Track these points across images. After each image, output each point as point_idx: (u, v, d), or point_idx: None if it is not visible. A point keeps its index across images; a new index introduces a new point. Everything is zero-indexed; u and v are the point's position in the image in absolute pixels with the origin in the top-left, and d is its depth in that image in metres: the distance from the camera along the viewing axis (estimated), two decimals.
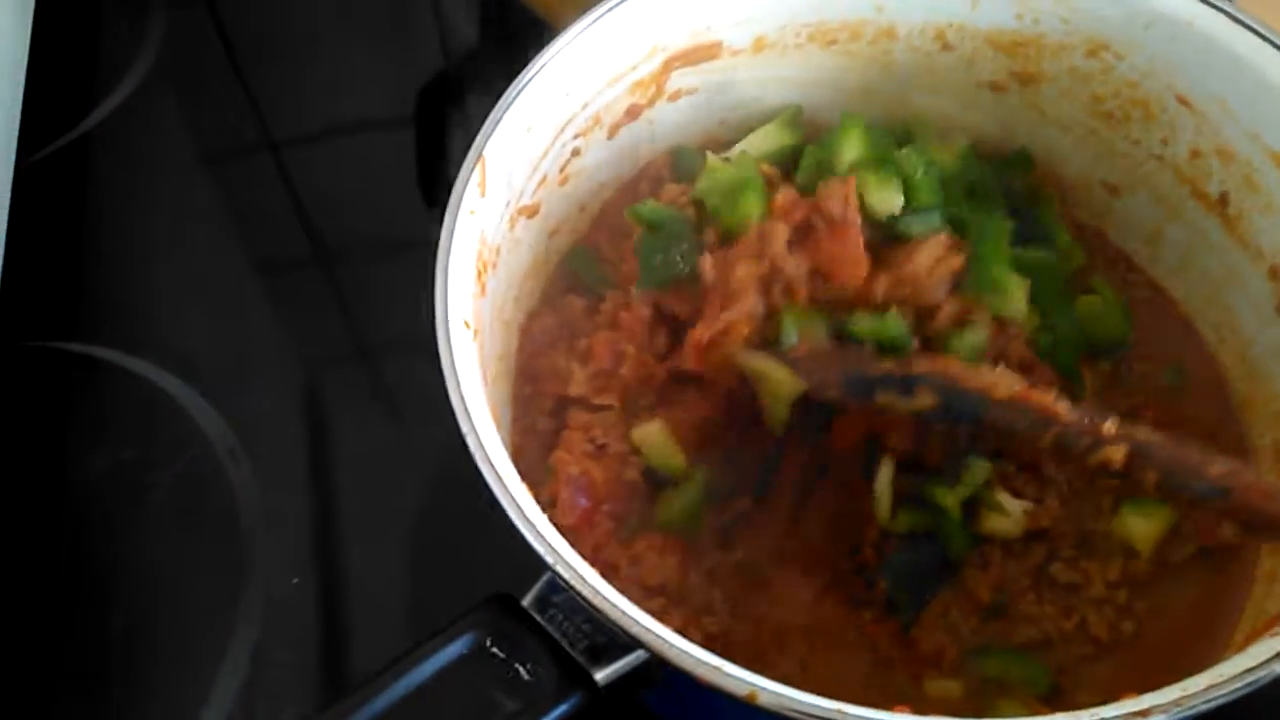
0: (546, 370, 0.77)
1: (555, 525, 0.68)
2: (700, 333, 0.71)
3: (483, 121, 0.70)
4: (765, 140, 0.82)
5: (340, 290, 0.97)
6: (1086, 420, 0.65)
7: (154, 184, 1.02)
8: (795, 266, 0.70)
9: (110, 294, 0.96)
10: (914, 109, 0.86)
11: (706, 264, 0.72)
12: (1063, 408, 0.66)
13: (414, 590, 0.82)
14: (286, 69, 1.09)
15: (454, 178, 0.68)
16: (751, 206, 0.73)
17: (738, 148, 0.81)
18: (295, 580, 0.81)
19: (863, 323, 0.70)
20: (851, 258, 0.70)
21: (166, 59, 1.09)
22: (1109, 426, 0.64)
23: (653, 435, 0.74)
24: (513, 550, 0.57)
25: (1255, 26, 0.73)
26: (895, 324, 0.70)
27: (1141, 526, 0.72)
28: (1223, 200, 0.79)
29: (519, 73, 0.71)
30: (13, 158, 1.00)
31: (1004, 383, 0.67)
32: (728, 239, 0.74)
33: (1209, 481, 0.62)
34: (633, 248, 0.77)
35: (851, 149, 0.77)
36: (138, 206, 1.00)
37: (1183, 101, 0.78)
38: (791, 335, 0.70)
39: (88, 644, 0.80)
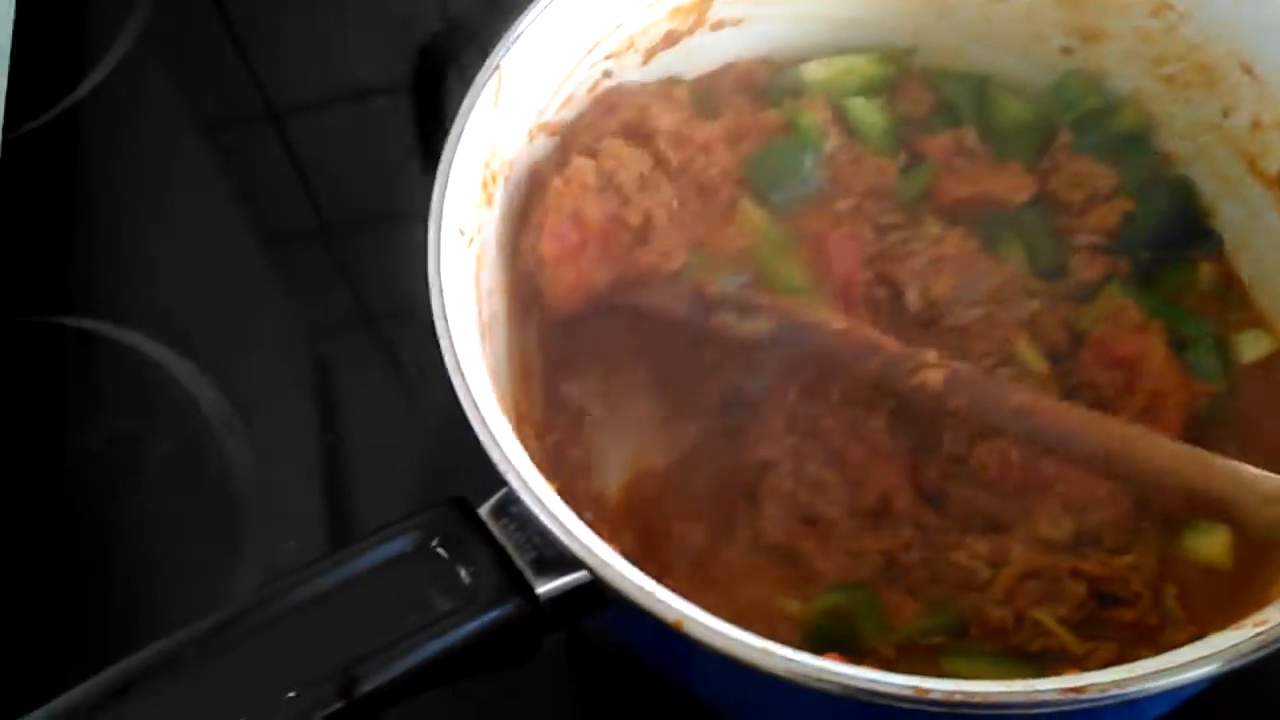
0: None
1: (539, 254, 0.70)
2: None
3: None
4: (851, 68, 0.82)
5: (340, 259, 0.96)
6: (909, 350, 0.68)
7: (147, 155, 1.01)
8: None
9: (103, 267, 0.95)
10: (970, 60, 0.84)
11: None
12: (888, 340, 0.69)
13: None
14: (281, 34, 1.07)
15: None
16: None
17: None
18: (292, 544, 0.81)
19: None
20: None
21: (157, 25, 1.07)
22: (931, 355, 0.67)
23: None
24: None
25: None
26: None
27: (1212, 542, 0.69)
28: None
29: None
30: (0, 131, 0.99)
31: (834, 317, 0.70)
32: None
33: (1009, 409, 0.65)
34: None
35: None
36: (130, 178, 0.99)
37: (1246, 70, 0.74)
38: None
39: (86, 620, 0.80)
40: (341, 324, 0.94)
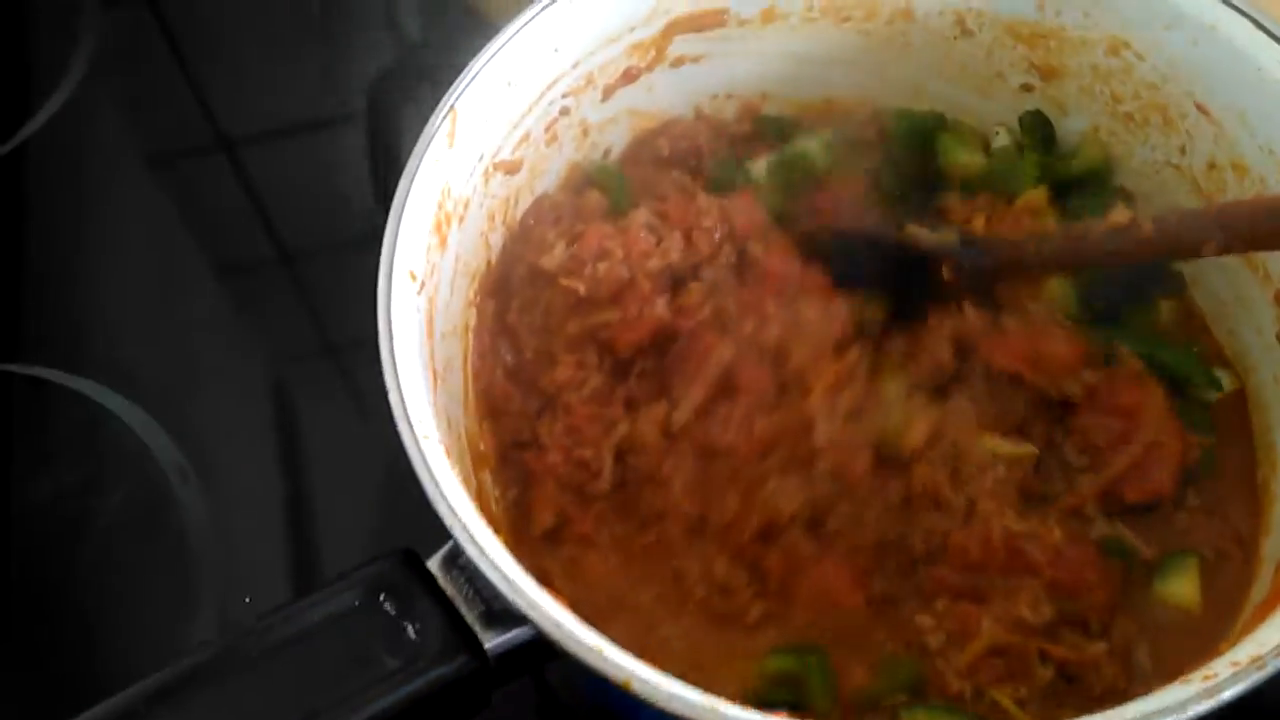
0: (536, 239, 0.76)
1: None
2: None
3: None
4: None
5: (298, 290, 0.95)
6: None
7: (97, 193, 0.99)
8: None
9: (53, 312, 0.93)
10: (932, 97, 0.83)
11: None
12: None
13: None
14: (232, 64, 1.06)
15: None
16: None
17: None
18: (247, 599, 0.80)
19: None
20: None
21: (104, 60, 1.04)
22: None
23: None
24: None
25: (1279, 35, 0.69)
26: None
27: (1181, 585, 0.69)
28: None
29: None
30: None
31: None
32: None
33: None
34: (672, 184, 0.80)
35: None
36: (80, 218, 0.97)
37: (1202, 110, 0.74)
38: None
39: (36, 676, 0.79)
40: (300, 357, 0.92)
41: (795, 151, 0.81)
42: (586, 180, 0.81)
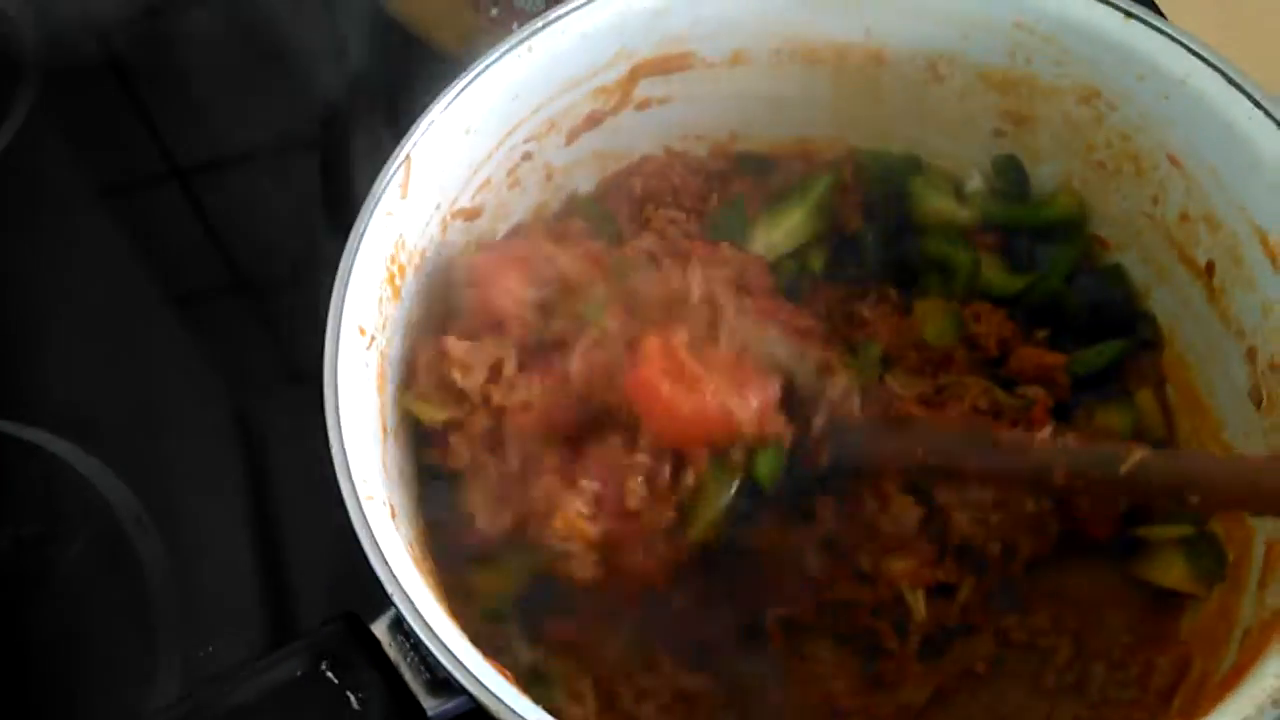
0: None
1: None
2: None
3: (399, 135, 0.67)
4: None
5: (256, 326, 0.94)
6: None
7: (48, 228, 0.97)
8: None
9: (5, 362, 0.92)
10: (905, 140, 0.82)
11: None
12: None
13: None
14: (181, 95, 1.04)
15: (359, 201, 0.65)
16: None
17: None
18: (210, 648, 0.79)
19: None
20: None
21: (50, 94, 1.03)
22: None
23: None
24: None
25: (1251, 92, 0.68)
26: None
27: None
28: (1209, 269, 0.74)
29: (419, 97, 0.69)
30: None
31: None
32: None
33: None
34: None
35: None
36: (32, 252, 0.96)
37: (1174, 162, 0.73)
38: None
39: None
40: (262, 390, 0.91)
41: (793, 267, 0.81)
42: (567, 210, 0.80)
